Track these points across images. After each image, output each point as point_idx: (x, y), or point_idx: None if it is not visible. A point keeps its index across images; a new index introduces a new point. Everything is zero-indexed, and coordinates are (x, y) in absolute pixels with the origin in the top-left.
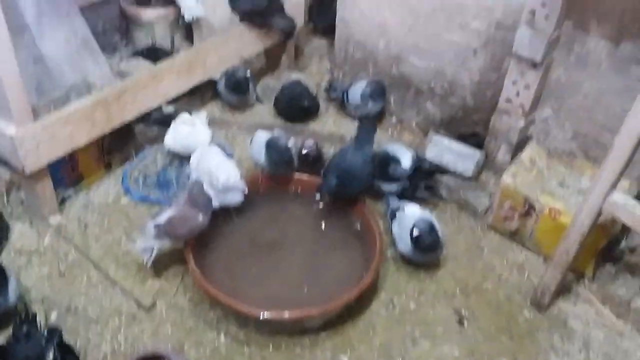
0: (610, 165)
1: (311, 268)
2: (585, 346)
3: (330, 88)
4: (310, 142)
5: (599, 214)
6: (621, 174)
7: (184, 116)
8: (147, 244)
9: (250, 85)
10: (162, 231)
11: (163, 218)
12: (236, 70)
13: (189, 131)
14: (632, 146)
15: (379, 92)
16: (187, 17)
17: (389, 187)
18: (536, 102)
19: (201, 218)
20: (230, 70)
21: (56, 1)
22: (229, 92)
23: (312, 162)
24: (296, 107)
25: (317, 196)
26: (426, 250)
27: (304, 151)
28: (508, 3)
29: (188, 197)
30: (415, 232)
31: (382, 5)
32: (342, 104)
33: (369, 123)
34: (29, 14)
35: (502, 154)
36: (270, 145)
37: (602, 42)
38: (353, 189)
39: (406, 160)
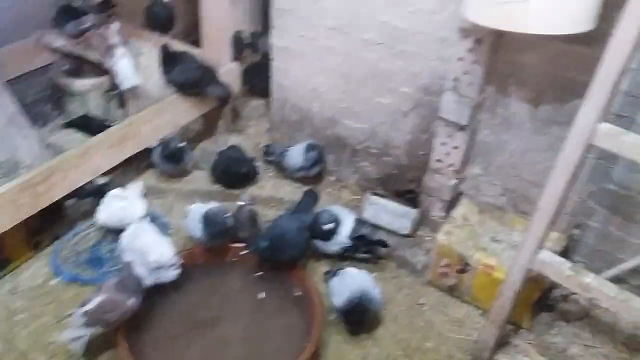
0: (536, 227)
1: (252, 342)
2: None
3: (267, 151)
4: (245, 195)
5: (529, 271)
6: (547, 234)
7: (115, 191)
8: (76, 333)
9: (186, 154)
10: (92, 319)
11: (92, 305)
12: (171, 140)
13: (122, 205)
14: (555, 208)
15: (317, 154)
16: (124, 87)
17: (330, 247)
18: (465, 161)
19: (132, 301)
20: (165, 141)
21: None
22: (164, 162)
23: (248, 219)
24: (233, 174)
25: (243, 253)
26: (352, 326)
27: (240, 203)
28: (433, 70)
29: (118, 280)
30: (341, 308)
31: (315, 71)
32: (280, 166)
33: (312, 193)
34: None
35: (437, 211)
36: (208, 219)
37: (523, 105)
38: (286, 254)
39: (348, 223)
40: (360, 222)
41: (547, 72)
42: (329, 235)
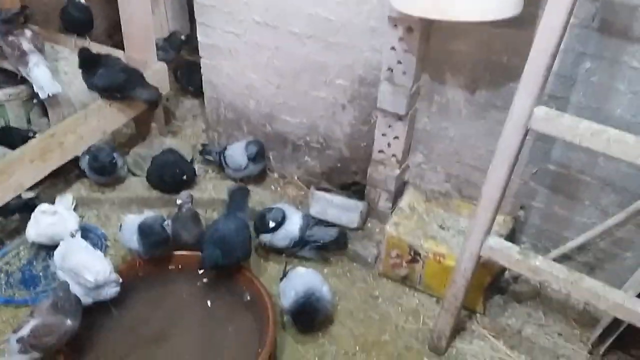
0: (482, 213)
1: (204, 354)
2: None
3: (205, 151)
4: (185, 194)
5: (479, 258)
6: (493, 220)
7: (42, 206)
8: None
9: (118, 164)
10: (27, 344)
11: (26, 330)
12: (99, 150)
13: (52, 221)
14: (499, 193)
15: (258, 152)
16: (42, 95)
17: (279, 242)
18: (407, 150)
19: (69, 322)
20: (93, 151)
21: None
22: (94, 174)
23: (188, 218)
24: (171, 178)
25: (201, 272)
26: (303, 326)
27: (178, 201)
28: (367, 62)
29: (52, 301)
30: (289, 312)
31: (246, 68)
32: (220, 166)
33: (241, 190)
34: None
35: (383, 202)
36: (144, 230)
37: (459, 91)
38: (234, 257)
39: (296, 220)
40: (308, 218)
41: (480, 57)
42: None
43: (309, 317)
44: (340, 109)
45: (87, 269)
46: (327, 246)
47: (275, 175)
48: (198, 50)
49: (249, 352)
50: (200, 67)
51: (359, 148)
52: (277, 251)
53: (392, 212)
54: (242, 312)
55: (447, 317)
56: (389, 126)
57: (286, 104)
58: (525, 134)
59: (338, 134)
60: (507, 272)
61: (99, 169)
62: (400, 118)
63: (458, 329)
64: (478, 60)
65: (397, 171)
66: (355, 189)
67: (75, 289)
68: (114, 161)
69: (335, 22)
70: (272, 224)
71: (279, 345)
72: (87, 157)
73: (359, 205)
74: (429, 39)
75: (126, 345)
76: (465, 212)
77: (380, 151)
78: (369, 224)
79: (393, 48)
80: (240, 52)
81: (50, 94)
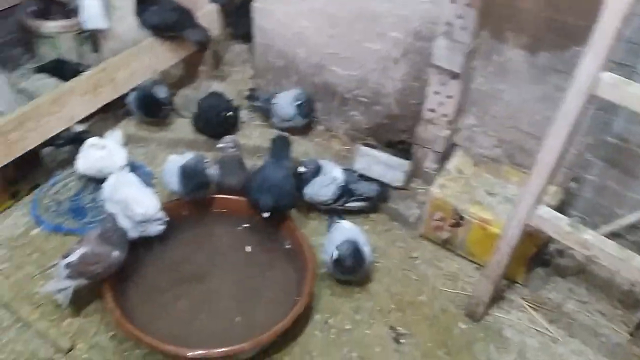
0: (534, 181)
1: (241, 296)
2: (520, 355)
3: (252, 96)
4: (229, 138)
5: (527, 227)
6: (545, 189)
7: (92, 139)
8: (60, 285)
9: (166, 103)
10: (75, 270)
11: (74, 257)
12: (149, 89)
13: (101, 155)
14: (554, 162)
15: (306, 104)
16: (86, 27)
17: (322, 196)
18: (459, 111)
19: (116, 253)
20: (142, 88)
21: None
22: (142, 112)
23: (233, 162)
24: (216, 122)
25: (266, 215)
26: (346, 272)
27: (221, 145)
28: (424, 14)
29: (101, 232)
30: (335, 255)
31: (299, 14)
32: (265, 114)
33: (283, 138)
34: None
35: (430, 163)
36: (186, 172)
37: (520, 52)
38: (282, 205)
39: (337, 173)
40: (350, 173)
41: (545, 16)
42: (304, 181)
43: (353, 262)
44: (392, 63)
45: (137, 203)
46: (369, 200)
47: (321, 127)
48: None
49: (286, 299)
50: (250, 11)
51: (408, 105)
52: (318, 207)
53: (438, 174)
54: (281, 260)
55: (487, 284)
56: (442, 84)
57: (337, 55)
58: (589, 101)
59: (388, 89)
60: (552, 245)
61: (148, 106)
62: (454, 76)
63: (496, 298)
64: (542, 20)
65: (447, 132)
66: (401, 147)
67: (122, 222)
68: (163, 100)
69: None
70: (301, 169)
71: (316, 296)
72: (136, 94)
73: (404, 164)
74: None
75: (166, 281)
76: (515, 180)
77: (431, 110)
78: (413, 184)
79: (454, 1)
80: None
81: (95, 28)
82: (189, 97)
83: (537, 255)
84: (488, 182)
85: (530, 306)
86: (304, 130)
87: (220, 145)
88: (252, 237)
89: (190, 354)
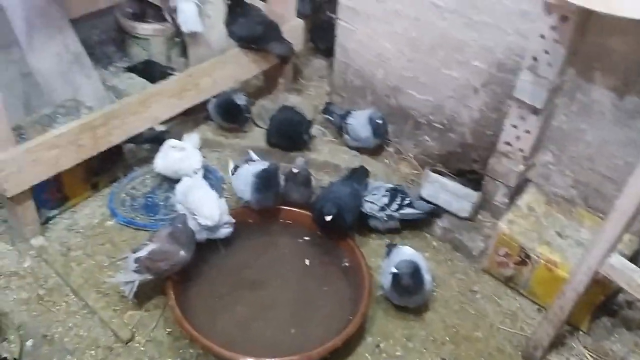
0: (610, 228)
1: (297, 308)
2: None
3: (327, 110)
4: (301, 161)
5: (596, 274)
6: (621, 237)
7: (172, 141)
8: (128, 277)
9: (245, 111)
10: (143, 265)
11: (144, 252)
12: (229, 96)
13: (179, 157)
14: (634, 209)
15: (381, 127)
16: (184, 29)
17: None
18: (536, 147)
19: (183, 253)
20: (222, 96)
21: (48, 15)
22: (221, 117)
23: (301, 183)
24: (289, 135)
25: (329, 218)
26: (403, 293)
27: (295, 170)
28: (510, 46)
29: (171, 230)
30: (393, 271)
31: (380, 36)
32: (338, 130)
33: (363, 170)
34: (18, 28)
35: (500, 197)
36: (258, 181)
37: (607, 93)
38: (347, 218)
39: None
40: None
41: (636, 59)
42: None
43: (410, 283)
44: (471, 91)
45: (206, 207)
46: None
47: (391, 149)
48: (335, 11)
49: (340, 317)
50: (333, 27)
51: (483, 136)
52: (378, 228)
53: (507, 209)
54: (339, 276)
55: (548, 328)
56: (522, 118)
57: (415, 79)
58: None
59: (464, 118)
60: (622, 295)
61: (227, 112)
62: (535, 111)
63: (557, 343)
64: (634, 62)
65: (522, 167)
66: (471, 177)
67: (191, 223)
68: (242, 107)
69: None
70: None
71: (369, 318)
72: (216, 100)
73: (474, 194)
74: (584, 32)
75: (226, 285)
76: (588, 224)
77: (507, 143)
78: (480, 216)
79: (542, 36)
80: (378, 19)
81: (191, 31)
82: (266, 107)
83: (604, 304)
84: (559, 222)
85: (591, 356)
86: (374, 150)
87: (294, 170)
88: (312, 251)
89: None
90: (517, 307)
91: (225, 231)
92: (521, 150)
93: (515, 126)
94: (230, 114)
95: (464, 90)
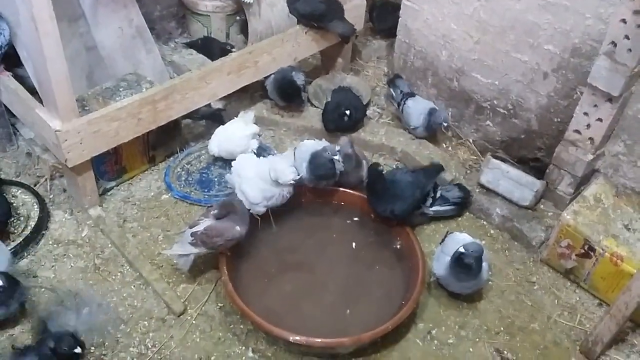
0: None
1: (347, 289)
2: None
3: (392, 83)
4: (344, 141)
5: None
6: None
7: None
8: (183, 250)
9: (302, 90)
10: (199, 240)
11: (200, 227)
12: (288, 74)
13: (236, 137)
14: None
15: (435, 121)
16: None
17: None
18: (608, 136)
19: (238, 229)
20: (280, 74)
21: None
22: (278, 95)
23: (348, 160)
24: (341, 119)
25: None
26: (461, 275)
27: (337, 148)
28: (587, 30)
29: (226, 205)
30: (461, 249)
31: (448, 16)
32: (397, 105)
33: (438, 167)
34: (85, 2)
35: (565, 186)
36: (314, 159)
37: None
38: (399, 208)
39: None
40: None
41: None
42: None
43: (472, 265)
44: (540, 76)
45: (276, 165)
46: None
47: (449, 133)
48: None
49: (392, 301)
50: (395, 8)
51: (550, 123)
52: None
53: (572, 199)
54: (391, 260)
55: (610, 324)
56: (594, 105)
57: (481, 61)
58: None
59: (530, 104)
60: None
61: (284, 91)
62: (610, 99)
63: (617, 339)
64: None
65: (590, 156)
66: (534, 165)
67: (251, 194)
68: (300, 86)
69: None
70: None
71: (421, 303)
72: (274, 77)
73: (536, 183)
74: None
75: (277, 263)
76: None
77: (576, 131)
78: (542, 206)
79: (623, 20)
80: None
81: (250, 1)
82: (322, 87)
83: None
84: (628, 215)
85: None
86: (430, 135)
87: (337, 148)
88: (363, 233)
89: (292, 338)
90: (576, 300)
91: (286, 191)
92: (591, 139)
93: (586, 114)
94: (287, 93)
95: (533, 74)
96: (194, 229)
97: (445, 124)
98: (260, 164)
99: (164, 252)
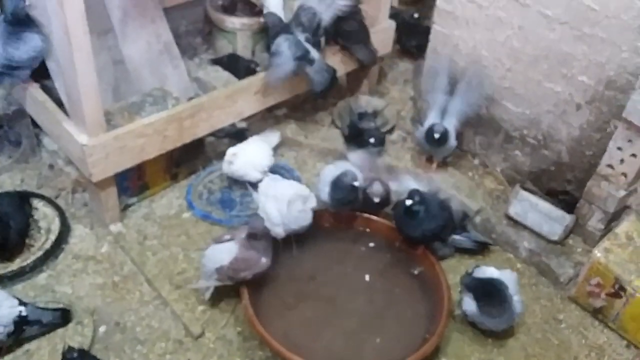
0: None
1: (368, 319)
2: None
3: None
4: (378, 188)
5: None
6: None
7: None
8: (207, 283)
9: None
10: (225, 275)
11: (226, 260)
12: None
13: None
14: None
15: (443, 137)
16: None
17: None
18: None
19: (264, 260)
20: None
21: (143, 4)
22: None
23: (379, 205)
24: (365, 142)
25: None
26: (483, 297)
27: (375, 200)
28: (623, 63)
29: (249, 233)
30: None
31: (479, 43)
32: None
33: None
34: (114, 16)
35: (595, 222)
36: (336, 184)
37: None
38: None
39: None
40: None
41: None
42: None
43: (492, 290)
44: (573, 108)
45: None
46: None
47: (476, 161)
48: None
49: (415, 333)
50: (424, 30)
51: (582, 156)
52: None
53: (602, 236)
54: (416, 291)
55: None
56: (629, 140)
57: (512, 90)
58: None
59: (562, 135)
60: None
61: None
62: None
63: None
64: None
65: (623, 192)
66: (563, 198)
67: (274, 217)
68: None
69: (598, 12)
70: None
71: (445, 337)
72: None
73: (567, 217)
74: None
75: (300, 289)
76: None
77: (609, 166)
78: (570, 241)
79: None
80: (478, 26)
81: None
82: (347, 109)
83: None
84: None
85: None
86: (456, 160)
87: (375, 200)
88: (387, 260)
89: None
90: (604, 340)
91: (308, 215)
92: (624, 174)
93: (620, 148)
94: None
95: (566, 106)
96: (219, 264)
97: (438, 135)
98: (287, 186)
99: (189, 287)
